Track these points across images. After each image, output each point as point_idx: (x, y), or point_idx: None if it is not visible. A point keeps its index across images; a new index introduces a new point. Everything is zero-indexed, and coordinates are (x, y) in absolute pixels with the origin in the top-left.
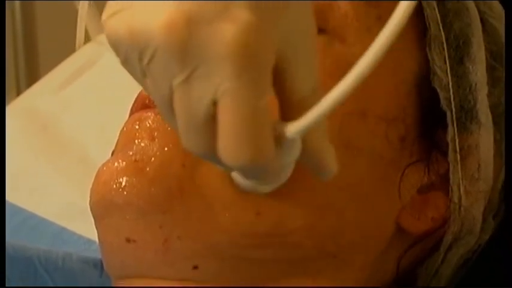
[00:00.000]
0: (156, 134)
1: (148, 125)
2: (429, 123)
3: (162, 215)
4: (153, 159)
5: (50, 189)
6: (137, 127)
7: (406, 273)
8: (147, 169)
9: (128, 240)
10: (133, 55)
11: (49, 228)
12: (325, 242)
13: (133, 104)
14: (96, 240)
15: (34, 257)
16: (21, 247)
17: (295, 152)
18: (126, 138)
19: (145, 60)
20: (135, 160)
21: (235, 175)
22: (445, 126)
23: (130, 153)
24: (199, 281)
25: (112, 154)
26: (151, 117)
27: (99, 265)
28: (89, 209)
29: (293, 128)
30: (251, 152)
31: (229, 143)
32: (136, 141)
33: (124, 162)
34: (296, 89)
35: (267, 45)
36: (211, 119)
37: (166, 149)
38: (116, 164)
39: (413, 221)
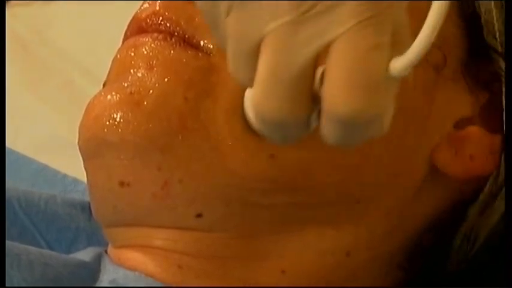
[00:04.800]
0: (154, 62)
1: (145, 52)
2: (468, 53)
3: (161, 154)
4: (151, 91)
5: (31, 119)
6: (132, 54)
7: (446, 217)
8: (145, 103)
9: (122, 184)
10: None
11: (29, 165)
12: (347, 183)
13: (128, 28)
14: (84, 179)
15: (13, 199)
16: None
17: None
18: (120, 68)
19: None
20: (131, 92)
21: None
22: (485, 55)
23: (125, 84)
24: (202, 230)
25: (104, 85)
26: (149, 43)
27: (87, 208)
28: (75, 142)
29: (399, 64)
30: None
31: (345, 89)
32: (131, 70)
33: (118, 95)
34: None
35: None
36: (312, 69)
37: (166, 79)
38: (108, 97)
39: (449, 159)
